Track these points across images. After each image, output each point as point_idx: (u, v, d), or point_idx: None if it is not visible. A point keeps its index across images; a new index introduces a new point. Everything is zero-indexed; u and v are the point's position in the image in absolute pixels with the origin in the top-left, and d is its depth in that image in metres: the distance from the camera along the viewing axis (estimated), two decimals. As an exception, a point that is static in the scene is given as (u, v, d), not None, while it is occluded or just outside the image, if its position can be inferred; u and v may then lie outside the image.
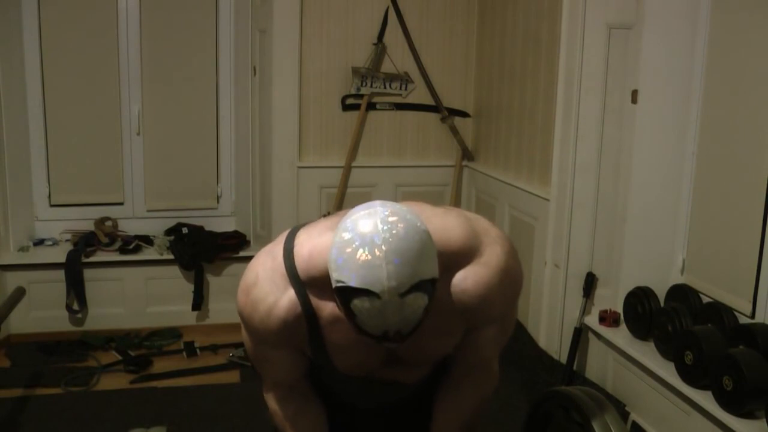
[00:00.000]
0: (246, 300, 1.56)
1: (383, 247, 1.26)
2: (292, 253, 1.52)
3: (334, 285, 1.31)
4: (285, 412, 1.70)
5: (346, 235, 1.30)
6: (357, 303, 1.27)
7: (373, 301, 1.26)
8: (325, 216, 1.80)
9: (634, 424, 3.04)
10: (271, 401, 1.72)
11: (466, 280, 1.50)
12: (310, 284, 1.49)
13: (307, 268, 1.49)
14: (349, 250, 1.28)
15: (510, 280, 1.57)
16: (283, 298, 1.50)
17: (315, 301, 1.50)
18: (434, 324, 1.48)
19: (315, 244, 1.50)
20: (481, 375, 1.71)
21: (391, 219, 1.30)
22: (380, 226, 1.28)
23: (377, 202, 1.36)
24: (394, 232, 1.28)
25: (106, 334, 4.22)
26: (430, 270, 1.31)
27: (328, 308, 1.49)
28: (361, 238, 1.28)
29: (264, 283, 1.53)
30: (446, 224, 1.49)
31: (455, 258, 1.49)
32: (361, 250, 1.27)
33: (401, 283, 1.26)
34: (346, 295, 1.29)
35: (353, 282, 1.27)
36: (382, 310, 1.27)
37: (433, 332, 1.51)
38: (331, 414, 1.76)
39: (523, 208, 3.81)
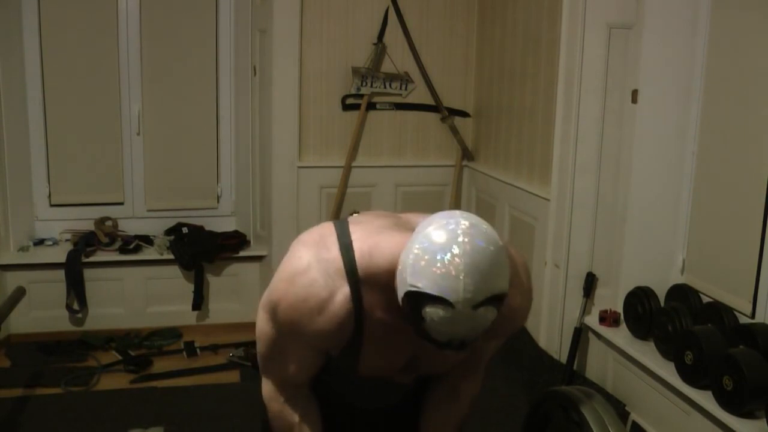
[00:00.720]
0: (288, 288, 1.49)
1: (463, 258, 1.26)
2: (352, 247, 1.48)
3: (406, 289, 1.31)
4: (291, 415, 1.66)
5: (426, 242, 1.30)
6: (429, 310, 1.28)
7: (446, 310, 1.27)
8: (354, 213, 1.77)
9: (634, 424, 3.04)
10: (275, 404, 1.67)
11: (505, 306, 1.48)
12: (367, 282, 1.46)
13: (368, 266, 1.45)
14: (427, 257, 1.28)
15: (530, 303, 1.66)
16: (339, 294, 1.46)
17: (367, 300, 1.47)
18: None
19: (377, 241, 1.47)
20: (475, 377, 1.76)
21: (471, 231, 1.30)
22: (461, 238, 1.28)
23: (458, 212, 1.36)
24: (474, 244, 1.28)
25: (106, 334, 4.22)
26: (503, 285, 1.32)
27: (378, 309, 1.47)
28: (441, 247, 1.28)
29: (317, 275, 1.47)
30: None
31: None
32: (440, 259, 1.27)
33: (476, 296, 1.27)
34: (419, 300, 1.29)
35: (430, 289, 1.27)
36: (454, 319, 1.27)
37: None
38: (330, 415, 1.75)
39: (523, 208, 3.81)
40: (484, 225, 1.33)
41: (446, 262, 1.26)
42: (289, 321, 1.51)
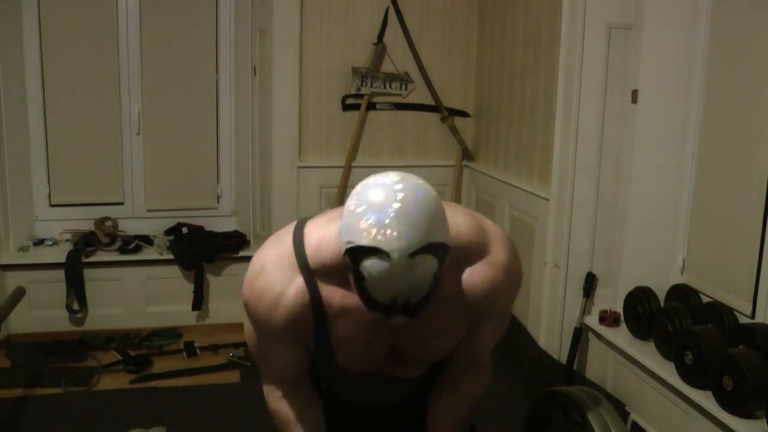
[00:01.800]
0: (251, 290, 1.54)
1: (395, 207, 1.27)
2: (302, 241, 1.51)
3: (344, 248, 1.30)
4: (287, 412, 1.66)
5: (357, 199, 1.32)
6: (367, 264, 1.27)
7: (383, 261, 1.26)
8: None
9: (634, 424, 3.04)
10: (273, 400, 1.68)
11: (473, 276, 1.51)
12: (320, 272, 1.48)
13: (317, 255, 1.47)
14: (359, 211, 1.29)
15: (513, 280, 1.60)
16: (291, 287, 1.49)
17: (323, 290, 1.48)
18: (439, 322, 1.51)
19: (324, 232, 1.49)
20: (477, 372, 1.72)
21: (404, 183, 1.31)
22: (392, 187, 1.29)
23: (391, 172, 1.37)
24: (405, 194, 1.29)
25: (106, 334, 4.22)
26: (441, 234, 1.31)
27: (336, 297, 1.48)
28: (372, 200, 1.29)
29: (271, 273, 1.51)
30: (454, 219, 1.47)
31: (463, 252, 1.50)
32: (372, 212, 1.28)
33: (411, 243, 1.26)
34: (356, 256, 1.28)
35: (364, 241, 1.27)
36: (392, 271, 1.26)
37: (437, 332, 1.54)
38: (329, 413, 1.74)
39: (523, 208, 3.81)
40: (418, 179, 1.34)
41: (379, 213, 1.27)
42: (256, 320, 1.55)
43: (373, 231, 1.26)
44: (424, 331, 1.51)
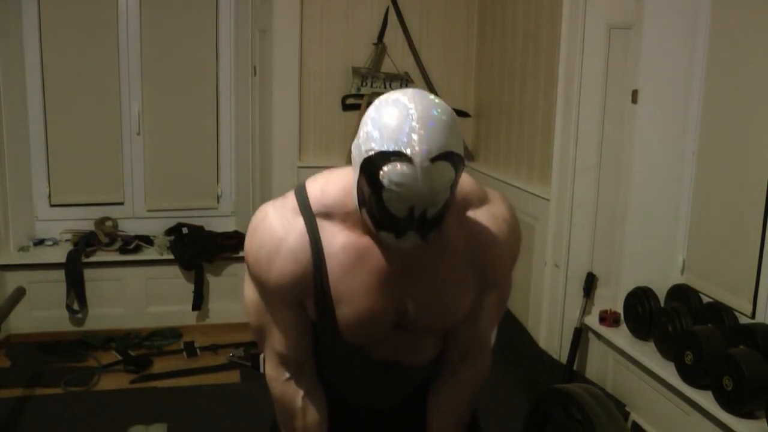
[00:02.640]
0: (253, 239, 1.51)
1: (414, 116, 1.27)
2: (305, 191, 1.50)
3: (363, 157, 1.30)
4: (292, 398, 1.60)
5: (376, 113, 1.32)
6: (387, 170, 1.26)
7: (404, 165, 1.26)
8: None
9: (634, 424, 3.04)
10: (277, 384, 1.61)
11: (476, 223, 1.51)
12: (322, 215, 1.47)
13: (321, 198, 1.47)
14: (380, 123, 1.29)
15: (514, 236, 1.59)
16: (292, 231, 1.46)
17: (325, 233, 1.46)
18: (444, 273, 1.49)
19: (326, 179, 1.50)
20: (477, 357, 1.68)
21: (419, 95, 1.33)
22: (410, 100, 1.30)
23: (404, 89, 1.38)
24: (423, 105, 1.30)
25: (106, 334, 4.22)
26: (458, 145, 1.31)
27: (338, 240, 1.46)
28: (391, 112, 1.29)
29: (273, 220, 1.49)
30: None
31: (468, 199, 1.51)
32: (392, 120, 1.28)
33: (432, 148, 1.26)
34: (376, 163, 1.28)
35: (385, 146, 1.27)
36: (414, 175, 1.25)
37: (442, 290, 1.51)
38: (332, 421, 1.70)
39: (523, 208, 3.81)
40: (431, 95, 1.36)
41: (398, 120, 1.27)
42: (257, 274, 1.51)
43: (395, 136, 1.26)
44: (430, 288, 1.49)
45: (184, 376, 3.85)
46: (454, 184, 1.33)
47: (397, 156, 1.26)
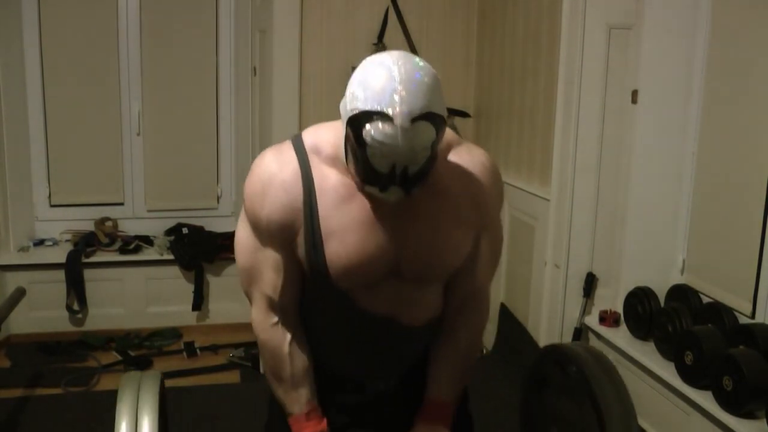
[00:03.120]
0: (250, 177, 1.56)
1: (398, 76, 1.34)
2: (301, 135, 1.58)
3: (348, 116, 1.37)
4: (279, 343, 1.60)
5: (361, 74, 1.39)
6: (369, 128, 1.33)
7: (385, 123, 1.32)
8: None
9: (634, 424, 3.04)
10: (263, 329, 1.61)
11: (462, 162, 1.58)
12: (315, 156, 1.53)
13: (315, 142, 1.54)
14: (365, 83, 1.36)
15: (497, 175, 1.64)
16: (286, 166, 1.53)
17: (317, 171, 1.52)
18: (439, 213, 1.53)
19: (322, 127, 1.59)
20: (473, 314, 1.68)
21: (404, 57, 1.39)
22: (395, 63, 1.37)
23: (389, 51, 1.45)
24: (408, 66, 1.36)
25: (106, 334, 4.22)
26: (440, 107, 1.37)
27: (329, 179, 1.51)
28: (376, 73, 1.36)
29: (269, 158, 1.56)
30: None
31: (448, 141, 1.58)
32: (376, 82, 1.35)
33: (414, 108, 1.33)
34: (359, 121, 1.35)
35: (369, 106, 1.33)
36: (394, 134, 1.32)
37: (433, 235, 1.53)
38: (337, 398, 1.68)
39: (523, 208, 3.81)
40: (416, 57, 1.41)
41: (382, 81, 1.34)
42: (251, 208, 1.55)
43: (378, 97, 1.33)
44: (423, 231, 1.52)
45: (184, 376, 3.85)
46: (436, 142, 1.38)
47: (380, 116, 1.33)
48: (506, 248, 4.02)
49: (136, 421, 1.65)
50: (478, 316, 1.69)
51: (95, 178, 4.55)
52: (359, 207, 1.50)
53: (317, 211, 1.50)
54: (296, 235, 1.52)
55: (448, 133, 1.57)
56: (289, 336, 1.61)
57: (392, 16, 4.25)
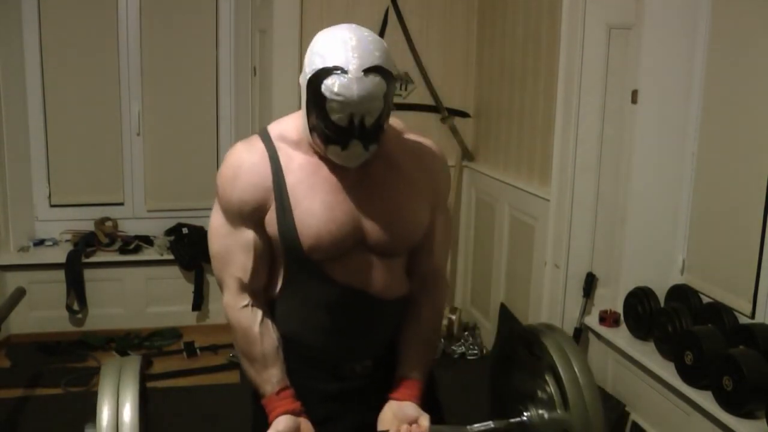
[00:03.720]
0: (222, 166, 1.68)
1: (350, 40, 1.50)
2: (266, 127, 1.72)
3: (308, 77, 1.51)
4: (249, 324, 1.68)
5: (316, 44, 1.54)
6: (328, 82, 1.47)
7: (341, 77, 1.47)
8: None
9: (634, 424, 3.04)
10: (235, 311, 1.70)
11: (417, 141, 1.75)
12: (280, 141, 1.66)
13: (278, 129, 1.68)
14: (318, 49, 1.52)
15: (446, 165, 1.83)
16: (255, 151, 1.66)
17: (282, 152, 1.65)
18: (399, 187, 1.68)
19: (283, 118, 1.73)
20: (435, 290, 1.82)
21: (354, 27, 1.56)
22: (349, 28, 1.55)
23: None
24: (359, 33, 1.53)
25: (106, 335, 4.22)
26: (389, 64, 1.53)
27: (294, 160, 1.64)
28: (327, 40, 1.53)
29: (239, 147, 1.69)
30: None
31: (403, 127, 1.76)
32: (329, 47, 1.50)
33: (364, 62, 1.48)
34: (318, 80, 1.49)
35: (324, 63, 1.49)
36: (350, 84, 1.46)
37: (396, 207, 1.67)
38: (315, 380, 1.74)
39: (523, 208, 3.81)
40: (366, 30, 1.58)
41: (337, 44, 1.50)
42: (223, 192, 1.66)
43: (334, 57, 1.48)
44: (385, 204, 1.65)
45: (184, 376, 3.85)
46: (387, 94, 1.52)
47: (336, 69, 1.47)
48: (506, 248, 4.03)
49: (118, 400, 1.74)
50: (438, 296, 1.83)
51: (95, 178, 4.55)
52: (324, 179, 1.63)
53: (285, 187, 1.62)
54: (267, 212, 1.63)
55: (400, 123, 1.75)
56: (259, 317, 1.69)
57: (392, 16, 4.25)
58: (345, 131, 1.51)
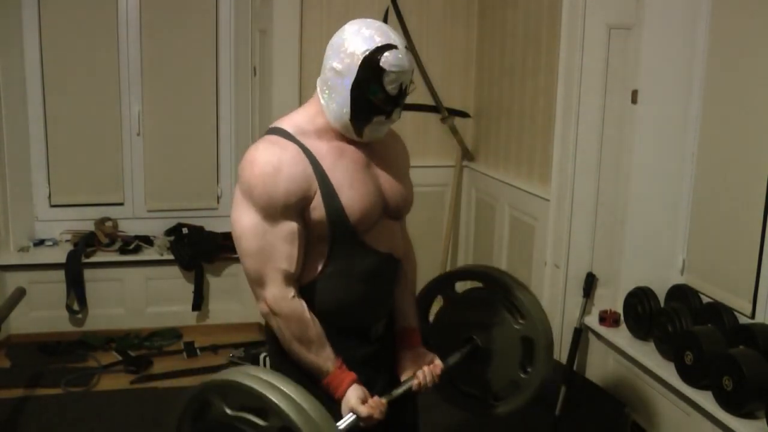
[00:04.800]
0: (254, 166, 1.76)
1: (380, 24, 1.81)
2: (275, 126, 1.85)
3: (362, 58, 1.75)
4: (303, 308, 1.79)
5: (346, 37, 1.81)
6: (385, 58, 1.74)
7: (395, 52, 1.75)
8: None
9: (634, 424, 3.04)
10: (286, 304, 1.78)
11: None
12: (300, 134, 1.81)
13: (293, 125, 1.84)
14: (363, 34, 1.78)
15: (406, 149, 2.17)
16: (287, 147, 1.78)
17: (308, 144, 1.81)
18: (395, 161, 1.98)
19: (288, 115, 1.90)
20: (409, 254, 2.11)
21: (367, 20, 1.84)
22: (364, 22, 1.83)
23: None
24: (376, 23, 1.83)
25: (106, 335, 4.22)
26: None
27: (320, 146, 1.81)
28: (359, 30, 1.80)
29: (267, 146, 1.79)
30: None
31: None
32: (367, 32, 1.79)
33: (402, 40, 1.79)
34: (375, 56, 1.74)
35: (378, 42, 1.75)
36: (403, 57, 1.76)
37: (398, 175, 1.96)
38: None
39: (523, 208, 3.81)
40: None
41: (374, 27, 1.79)
42: (265, 193, 1.74)
43: (381, 37, 1.77)
44: (392, 174, 1.93)
45: (184, 376, 3.85)
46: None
47: (389, 47, 1.75)
48: (506, 248, 4.03)
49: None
50: (412, 253, 2.13)
51: (95, 178, 4.55)
52: (350, 161, 1.84)
53: (325, 173, 1.79)
54: (312, 199, 1.77)
55: None
56: (304, 303, 1.81)
57: (392, 16, 4.25)
58: (393, 100, 1.78)
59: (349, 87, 1.77)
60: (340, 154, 1.83)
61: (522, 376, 2.23)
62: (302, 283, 1.83)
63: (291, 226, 1.76)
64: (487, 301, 2.27)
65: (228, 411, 1.66)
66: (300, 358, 1.82)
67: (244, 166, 1.79)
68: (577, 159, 3.28)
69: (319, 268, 1.84)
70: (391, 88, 1.76)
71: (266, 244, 1.76)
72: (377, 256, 1.88)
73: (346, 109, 1.79)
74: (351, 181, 1.81)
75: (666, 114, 3.11)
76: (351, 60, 1.76)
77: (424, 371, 1.96)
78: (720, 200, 2.95)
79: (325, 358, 1.81)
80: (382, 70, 1.74)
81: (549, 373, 2.23)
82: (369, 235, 1.86)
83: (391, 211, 1.92)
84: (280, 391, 1.59)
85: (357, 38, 1.78)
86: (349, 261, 1.85)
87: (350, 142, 1.86)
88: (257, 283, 1.80)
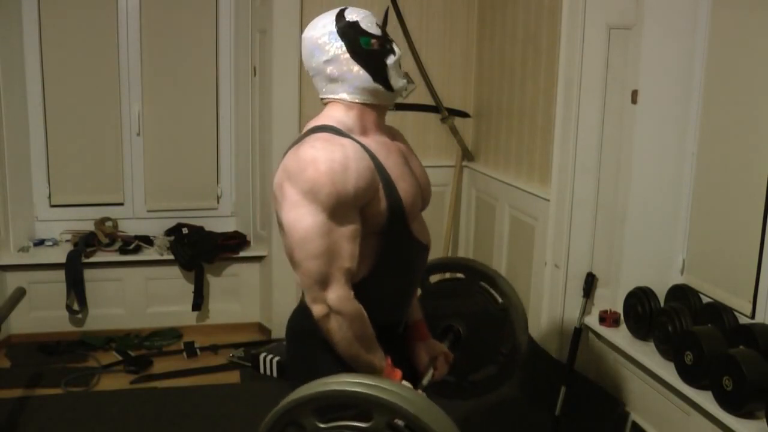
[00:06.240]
0: (318, 164, 1.71)
1: (319, 17, 2.01)
2: (318, 127, 1.85)
3: (335, 30, 1.92)
4: (360, 307, 1.78)
5: (321, 24, 1.99)
6: (347, 14, 1.93)
7: (348, 10, 1.97)
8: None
9: (634, 424, 3.04)
10: (351, 305, 1.76)
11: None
12: (348, 130, 1.84)
13: (335, 122, 1.85)
14: (330, 21, 1.96)
15: None
16: (345, 143, 1.78)
17: (360, 139, 1.84)
18: (412, 151, 2.08)
19: (320, 116, 1.92)
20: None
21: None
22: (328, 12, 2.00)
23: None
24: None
25: (106, 335, 4.22)
26: None
27: (369, 142, 1.85)
28: (330, 16, 1.99)
29: (325, 144, 1.76)
30: None
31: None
32: (315, 21, 1.99)
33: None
34: (340, 21, 1.93)
35: (332, 14, 1.96)
36: (400, 56, 1.97)
37: (419, 166, 2.05)
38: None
39: (523, 208, 3.81)
40: None
41: (318, 18, 2.01)
42: (335, 191, 1.70)
43: (328, 15, 1.97)
44: (419, 166, 2.03)
45: (184, 376, 3.85)
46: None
47: (341, 11, 1.97)
48: (506, 248, 4.03)
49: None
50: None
51: (95, 178, 4.55)
52: (396, 154, 1.92)
53: (383, 166, 1.83)
54: (377, 191, 1.80)
55: None
56: (362, 307, 1.81)
57: (392, 16, 4.25)
58: (384, 35, 1.97)
59: (350, 57, 1.87)
60: (386, 148, 1.89)
61: (500, 358, 2.39)
62: (354, 282, 1.80)
63: (354, 224, 1.75)
64: (462, 289, 2.40)
65: (320, 425, 1.56)
66: (356, 358, 1.80)
67: (303, 167, 1.72)
68: (577, 159, 3.28)
69: (369, 264, 1.83)
70: (373, 29, 1.93)
71: (332, 243, 1.72)
72: (420, 247, 1.94)
73: (364, 74, 1.87)
74: (401, 174, 1.87)
75: (666, 114, 3.11)
76: (331, 41, 1.90)
77: (439, 360, 2.05)
78: (720, 200, 2.95)
79: (380, 357, 1.83)
80: (355, 23, 1.90)
81: (526, 351, 2.43)
82: (414, 227, 1.91)
83: (424, 203, 2.01)
84: (378, 387, 1.55)
85: (319, 29, 1.93)
86: (399, 255, 1.88)
87: (387, 134, 1.95)
88: (320, 284, 1.74)
